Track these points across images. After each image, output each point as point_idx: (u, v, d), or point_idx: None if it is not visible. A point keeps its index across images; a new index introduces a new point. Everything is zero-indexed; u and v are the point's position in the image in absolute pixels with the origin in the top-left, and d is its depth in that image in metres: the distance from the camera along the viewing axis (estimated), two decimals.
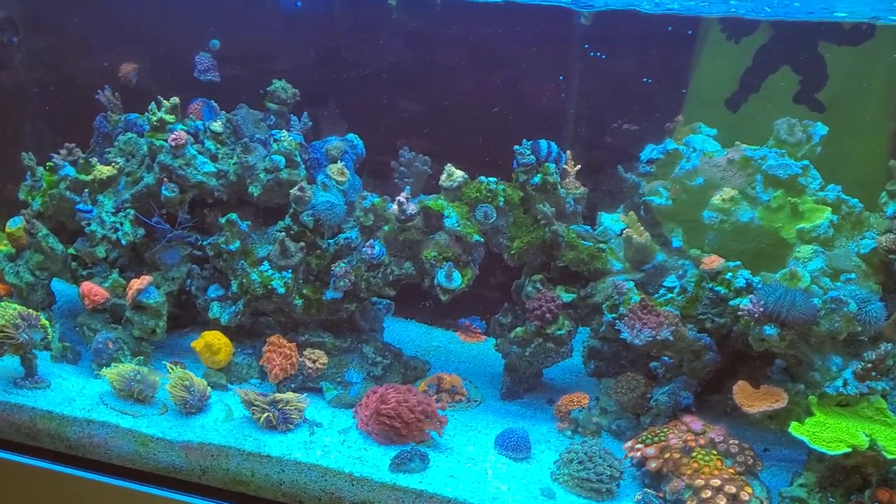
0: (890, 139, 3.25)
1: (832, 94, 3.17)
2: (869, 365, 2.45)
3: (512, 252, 2.96)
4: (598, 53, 3.20)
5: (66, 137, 3.40)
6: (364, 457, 2.66)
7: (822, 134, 2.88)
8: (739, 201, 2.82)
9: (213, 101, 3.36)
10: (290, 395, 2.79)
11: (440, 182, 3.02)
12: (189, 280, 3.25)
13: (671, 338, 2.58)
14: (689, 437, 2.60)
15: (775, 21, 3.22)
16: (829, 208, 2.75)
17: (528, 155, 2.92)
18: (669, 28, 3.29)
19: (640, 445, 2.63)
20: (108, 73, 3.70)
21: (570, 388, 3.26)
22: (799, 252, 2.67)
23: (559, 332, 2.92)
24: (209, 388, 2.90)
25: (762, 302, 2.45)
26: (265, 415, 2.73)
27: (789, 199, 2.78)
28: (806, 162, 2.86)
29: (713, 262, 2.69)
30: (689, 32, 3.27)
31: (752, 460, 2.55)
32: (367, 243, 2.99)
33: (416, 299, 3.50)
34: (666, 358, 2.78)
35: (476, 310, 3.68)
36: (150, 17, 3.81)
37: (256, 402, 2.75)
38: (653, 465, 2.55)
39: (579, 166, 3.05)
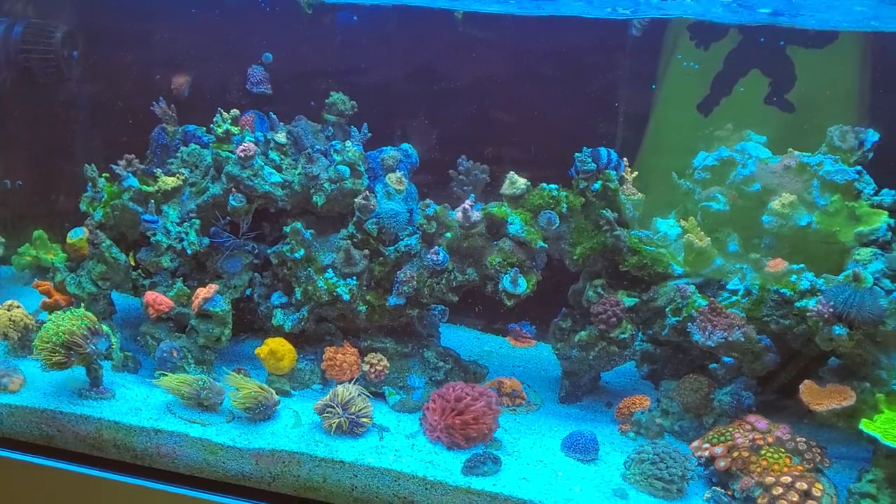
0: None
1: (801, 95, 3.27)
2: None
3: (575, 257, 3.02)
4: (692, 63, 3.29)
5: (118, 148, 3.43)
6: (435, 461, 2.68)
7: (874, 140, 2.97)
8: (797, 206, 2.89)
9: (271, 113, 3.40)
10: (352, 392, 2.79)
11: (502, 190, 3.08)
12: (250, 288, 3.29)
13: (743, 339, 2.64)
14: (756, 436, 2.64)
15: (743, 26, 3.30)
16: (886, 212, 2.83)
17: (589, 162, 2.99)
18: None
19: (707, 445, 2.67)
20: (159, 85, 3.73)
21: (626, 391, 3.31)
22: (858, 254, 2.74)
23: (623, 336, 2.98)
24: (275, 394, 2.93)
25: (831, 302, 2.51)
26: (336, 420, 2.75)
27: (846, 203, 2.86)
28: (860, 167, 2.94)
29: (778, 265, 2.76)
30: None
31: (819, 457, 2.59)
32: (432, 250, 3.03)
33: (463, 305, 3.55)
34: (728, 359, 2.84)
35: (524, 315, 3.73)
36: (203, 31, 3.86)
37: (329, 408, 2.77)
38: (721, 463, 2.59)
39: (636, 173, 3.12)
